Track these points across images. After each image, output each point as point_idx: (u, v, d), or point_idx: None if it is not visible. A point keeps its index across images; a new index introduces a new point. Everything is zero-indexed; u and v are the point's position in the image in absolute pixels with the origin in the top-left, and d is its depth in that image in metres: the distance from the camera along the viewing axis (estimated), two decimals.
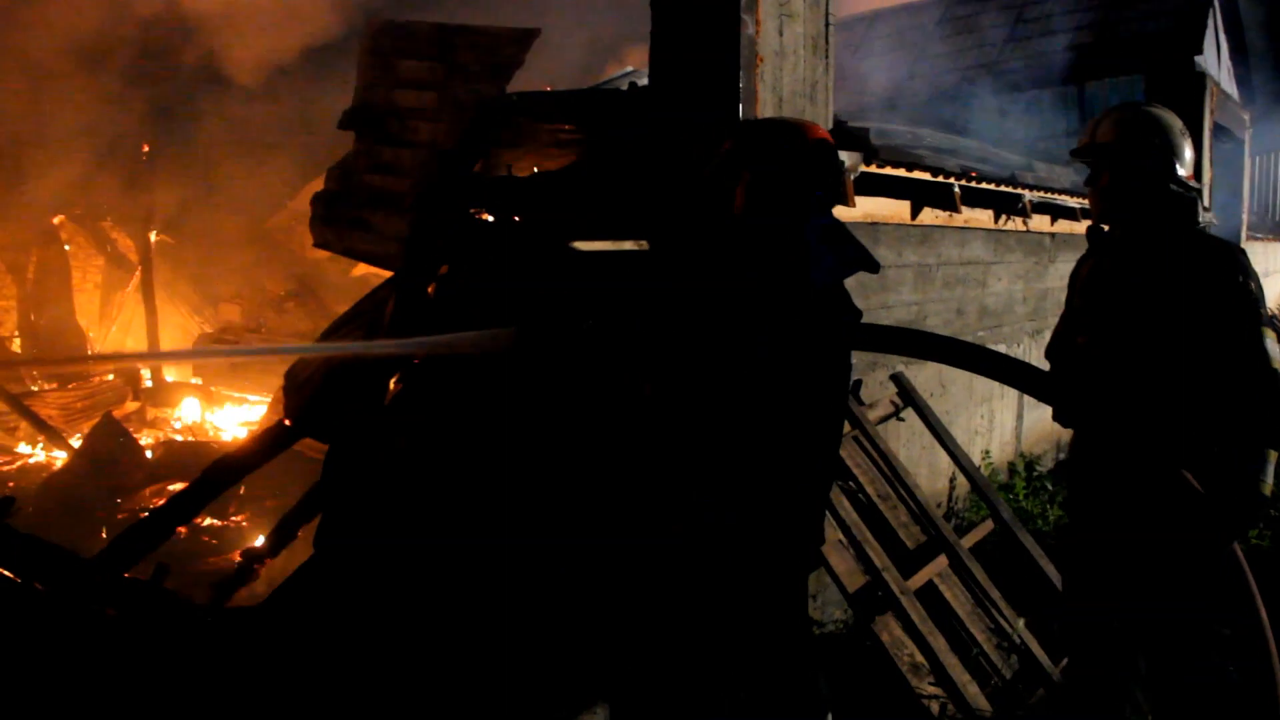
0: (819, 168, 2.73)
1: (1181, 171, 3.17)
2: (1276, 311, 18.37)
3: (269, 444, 5.79)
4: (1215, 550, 2.99)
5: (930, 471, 5.94)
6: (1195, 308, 3.02)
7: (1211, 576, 3.07)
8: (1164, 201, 3.17)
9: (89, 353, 11.55)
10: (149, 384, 10.71)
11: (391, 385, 5.27)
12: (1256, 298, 3.01)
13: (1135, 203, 3.20)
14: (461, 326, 4.91)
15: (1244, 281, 3.00)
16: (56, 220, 11.39)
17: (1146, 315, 3.11)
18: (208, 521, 7.12)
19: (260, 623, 4.52)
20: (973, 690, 4.09)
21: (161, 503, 5.99)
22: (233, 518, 7.29)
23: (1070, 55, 12.32)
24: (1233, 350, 2.98)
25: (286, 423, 5.73)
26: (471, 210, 5.28)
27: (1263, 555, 5.50)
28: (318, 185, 7.38)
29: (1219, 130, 13.55)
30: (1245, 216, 15.71)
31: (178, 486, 6.45)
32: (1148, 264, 3.14)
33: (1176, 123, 3.23)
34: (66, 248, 11.58)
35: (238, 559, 6.25)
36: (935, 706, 4.05)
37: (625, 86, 5.27)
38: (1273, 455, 2.94)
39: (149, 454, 8.29)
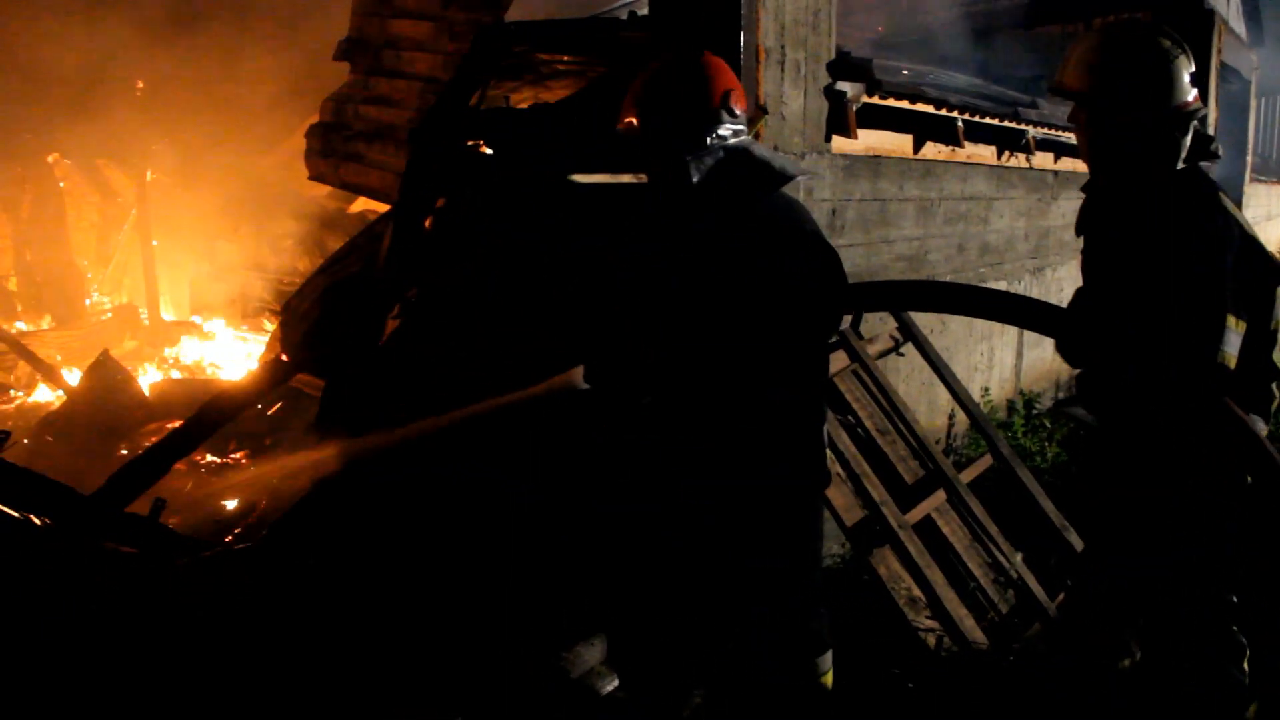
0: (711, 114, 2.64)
1: (1171, 101, 2.81)
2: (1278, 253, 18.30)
3: (266, 380, 5.78)
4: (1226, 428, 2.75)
5: (929, 407, 5.93)
6: (1165, 275, 2.75)
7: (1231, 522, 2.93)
8: (1138, 143, 2.85)
9: (89, 293, 11.51)
10: (146, 322, 10.68)
11: (389, 321, 5.25)
12: (1219, 274, 2.73)
13: (1104, 147, 2.92)
14: (459, 261, 4.89)
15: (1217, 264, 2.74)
16: (50, 158, 11.27)
17: (1129, 262, 2.85)
18: (207, 458, 7.11)
19: (259, 559, 4.53)
20: (969, 624, 4.10)
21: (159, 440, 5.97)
22: (232, 455, 7.28)
23: None
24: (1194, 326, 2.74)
25: (284, 358, 5.71)
26: (469, 143, 5.22)
27: None
28: (315, 120, 7.29)
29: (1225, 70, 13.38)
30: (1250, 159, 15.59)
31: (176, 424, 6.42)
32: (1126, 209, 2.89)
33: (1159, 45, 2.85)
34: (61, 185, 11.46)
35: (237, 496, 6.26)
36: (931, 640, 4.07)
37: (625, 15, 5.19)
38: (1236, 324, 2.74)
39: (147, 392, 8.26)
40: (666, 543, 2.86)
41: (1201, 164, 3.00)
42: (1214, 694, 3.05)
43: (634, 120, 2.67)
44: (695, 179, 2.61)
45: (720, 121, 2.61)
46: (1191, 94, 2.85)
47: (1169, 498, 2.92)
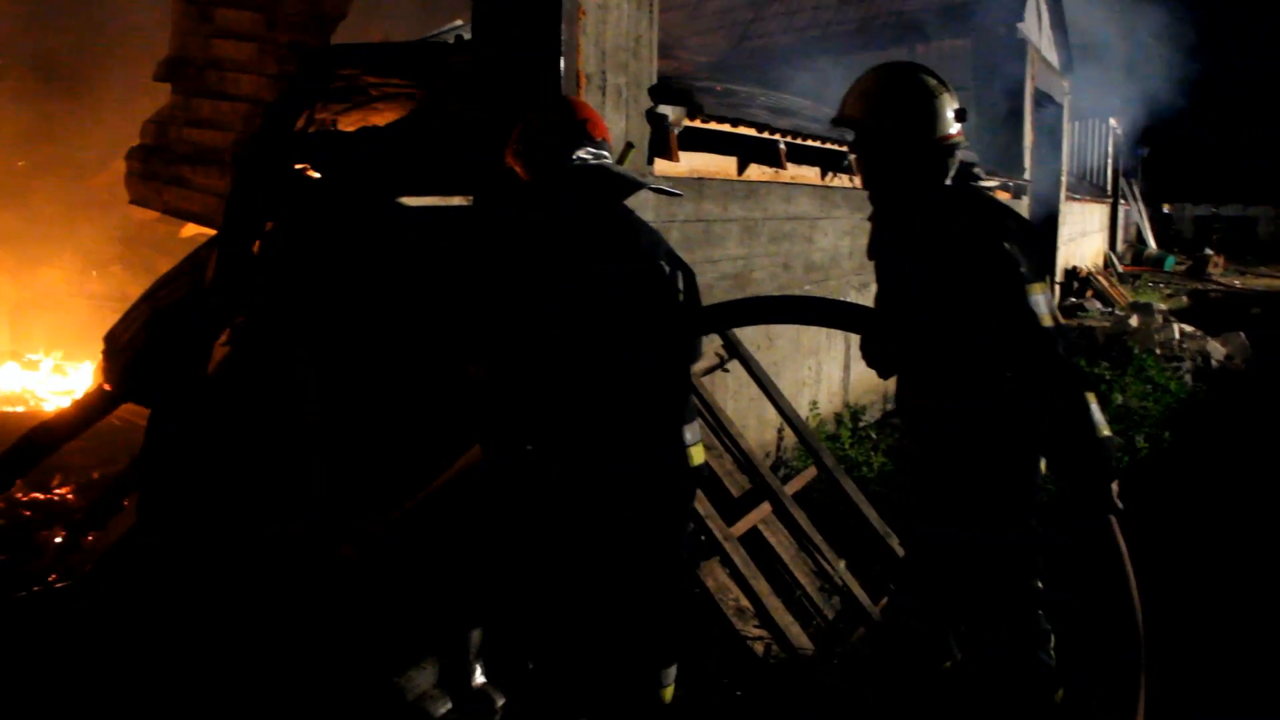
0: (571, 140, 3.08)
1: (936, 133, 3.08)
2: (1093, 269, 19.33)
3: (90, 411, 5.59)
4: (1097, 510, 2.94)
5: (759, 422, 6.09)
6: (956, 272, 2.97)
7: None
8: (908, 168, 3.12)
9: None
10: None
11: (217, 348, 5.14)
12: (1015, 259, 2.93)
13: (879, 172, 3.19)
14: (284, 285, 4.82)
15: (999, 244, 2.94)
16: None
17: (912, 280, 3.11)
18: (29, 494, 6.82)
19: (81, 598, 4.38)
20: (795, 631, 4.21)
21: None
22: (56, 490, 7.00)
23: (901, 19, 12.69)
24: (1001, 314, 2.93)
25: (107, 388, 5.53)
26: (296, 166, 5.16)
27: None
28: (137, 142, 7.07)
29: (1040, 96, 14.14)
30: (1064, 179, 16.47)
31: None
32: (905, 228, 3.15)
33: (924, 83, 3.12)
34: None
35: (60, 533, 6.02)
36: (760, 648, 4.16)
37: (452, 40, 5.22)
38: (1091, 398, 2.92)
39: None
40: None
41: (1013, 183, 3.24)
42: (1024, 680, 3.25)
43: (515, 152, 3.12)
44: (563, 187, 3.04)
45: (581, 145, 3.06)
46: (955, 128, 3.13)
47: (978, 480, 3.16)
